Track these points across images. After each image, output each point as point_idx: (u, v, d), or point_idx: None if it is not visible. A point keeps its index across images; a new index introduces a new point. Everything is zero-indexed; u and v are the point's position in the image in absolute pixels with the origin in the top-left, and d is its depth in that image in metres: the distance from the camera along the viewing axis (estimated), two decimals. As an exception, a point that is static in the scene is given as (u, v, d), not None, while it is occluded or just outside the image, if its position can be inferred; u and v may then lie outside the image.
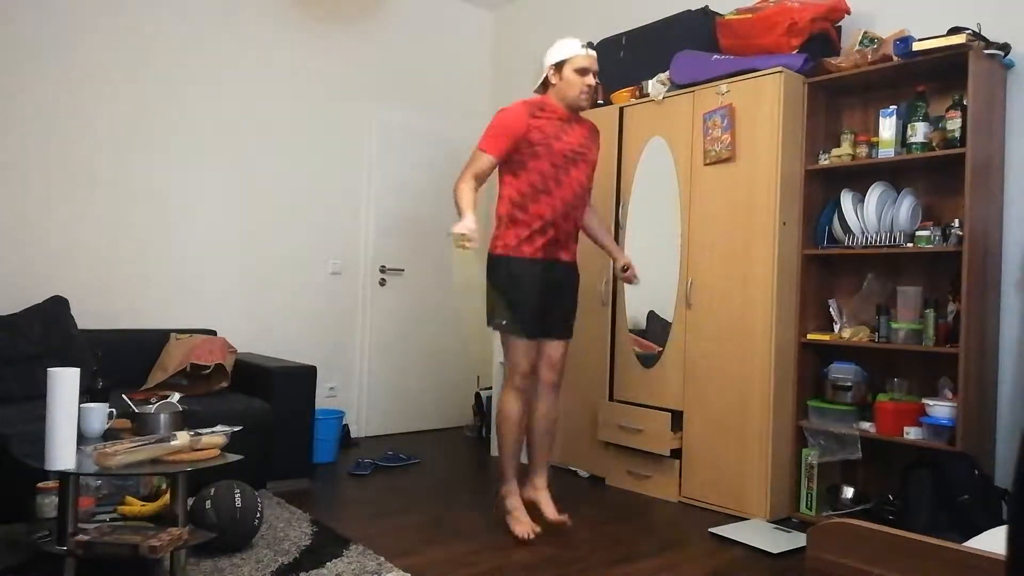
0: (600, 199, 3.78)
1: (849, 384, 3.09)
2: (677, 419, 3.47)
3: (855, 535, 1.66)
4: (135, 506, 2.64)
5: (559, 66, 2.90)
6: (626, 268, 3.15)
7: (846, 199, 3.15)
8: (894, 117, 3.01)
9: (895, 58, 2.96)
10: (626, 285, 3.73)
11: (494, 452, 4.31)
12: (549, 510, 2.96)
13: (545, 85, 2.99)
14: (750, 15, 3.39)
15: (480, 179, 2.87)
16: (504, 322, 2.88)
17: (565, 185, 2.88)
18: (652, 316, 3.65)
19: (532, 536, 2.83)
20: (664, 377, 3.56)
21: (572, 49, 2.89)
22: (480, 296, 5.22)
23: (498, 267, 2.91)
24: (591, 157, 3.00)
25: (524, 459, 3.10)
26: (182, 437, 2.29)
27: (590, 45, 2.95)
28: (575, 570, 2.59)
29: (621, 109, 3.82)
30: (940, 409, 2.79)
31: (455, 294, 5.19)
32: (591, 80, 2.89)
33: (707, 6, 3.71)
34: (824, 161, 3.23)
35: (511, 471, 2.94)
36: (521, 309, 2.85)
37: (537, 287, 2.87)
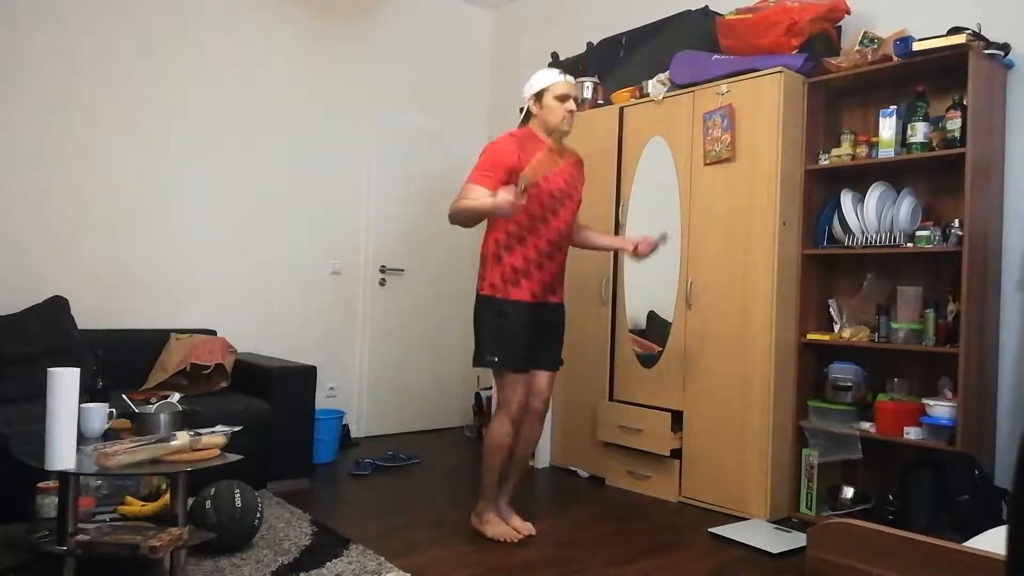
0: (600, 199, 3.78)
1: (849, 384, 3.08)
2: (677, 419, 3.47)
3: (855, 535, 1.66)
4: (135, 506, 2.64)
5: (539, 95, 2.89)
6: (636, 247, 3.00)
7: (846, 199, 3.15)
8: (894, 117, 3.01)
9: (895, 58, 2.96)
10: (626, 285, 3.74)
11: (494, 452, 4.32)
12: (519, 524, 2.96)
13: (527, 118, 2.96)
14: (750, 15, 3.39)
15: None
16: (496, 359, 2.85)
17: (552, 227, 2.87)
18: (652, 316, 3.65)
19: (516, 540, 2.84)
20: (664, 377, 3.56)
21: (550, 78, 2.88)
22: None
23: (486, 307, 2.88)
24: (577, 196, 2.98)
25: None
26: (182, 437, 2.29)
27: (566, 71, 2.95)
28: (575, 570, 2.59)
29: (621, 109, 3.82)
30: (940, 409, 2.79)
31: (455, 294, 5.18)
32: (571, 106, 2.87)
33: (707, 6, 3.71)
34: (824, 161, 3.23)
35: (492, 493, 2.95)
36: (512, 343, 2.83)
37: (526, 326, 2.85)
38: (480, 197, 2.74)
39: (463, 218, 2.81)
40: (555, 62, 4.25)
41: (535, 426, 3.02)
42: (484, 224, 2.95)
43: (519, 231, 2.84)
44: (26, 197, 3.59)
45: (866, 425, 3.02)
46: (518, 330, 2.84)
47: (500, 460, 2.90)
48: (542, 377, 2.98)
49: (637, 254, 3.00)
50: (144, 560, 2.11)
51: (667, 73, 3.63)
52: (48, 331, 3.31)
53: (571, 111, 2.88)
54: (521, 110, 3.02)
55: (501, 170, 2.79)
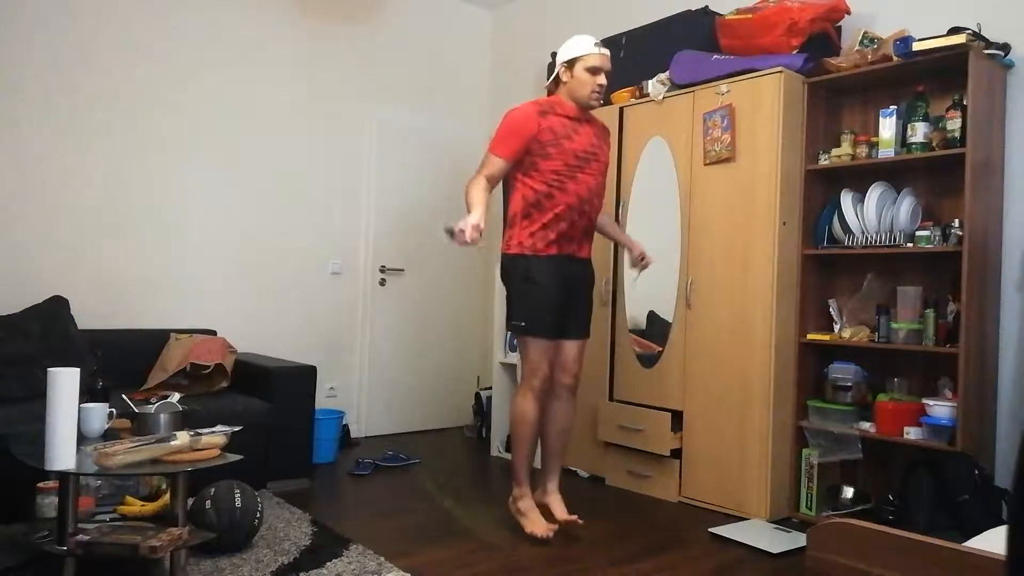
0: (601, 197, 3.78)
1: (849, 384, 3.08)
2: (677, 419, 3.47)
3: (855, 535, 1.66)
4: (135, 506, 2.64)
5: (571, 64, 2.88)
6: (642, 256, 3.12)
7: (846, 199, 3.15)
8: (894, 117, 3.01)
9: (895, 58, 2.96)
10: (627, 285, 3.74)
11: (494, 452, 4.32)
12: (560, 511, 2.94)
13: (557, 82, 2.96)
14: (750, 15, 3.39)
15: (492, 182, 2.87)
16: (523, 323, 2.85)
17: (581, 181, 2.87)
18: (652, 316, 3.65)
19: (550, 535, 2.82)
20: (664, 377, 3.56)
21: (585, 47, 2.86)
22: (480, 296, 5.25)
23: (514, 266, 2.89)
24: (603, 158, 2.98)
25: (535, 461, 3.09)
26: (182, 437, 2.29)
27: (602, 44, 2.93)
28: (575, 570, 2.59)
29: (621, 109, 3.82)
30: (940, 409, 2.79)
31: (455, 294, 5.19)
32: (602, 79, 2.87)
33: (707, 6, 3.71)
34: (824, 161, 3.23)
35: (525, 474, 2.92)
36: (539, 308, 2.83)
37: (554, 284, 2.85)
38: (474, 197, 2.77)
39: (465, 198, 2.84)
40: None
41: (566, 402, 2.98)
42: (499, 194, 2.96)
43: (547, 189, 2.84)
44: (26, 197, 3.59)
45: (866, 425, 3.02)
46: (546, 291, 2.83)
47: (526, 438, 2.87)
48: (570, 348, 2.96)
49: (641, 261, 3.09)
50: (144, 560, 2.11)
51: (667, 73, 3.63)
52: (48, 331, 3.31)
53: (601, 85, 2.87)
54: (550, 68, 2.99)
55: (518, 138, 2.82)
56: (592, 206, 2.94)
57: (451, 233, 2.63)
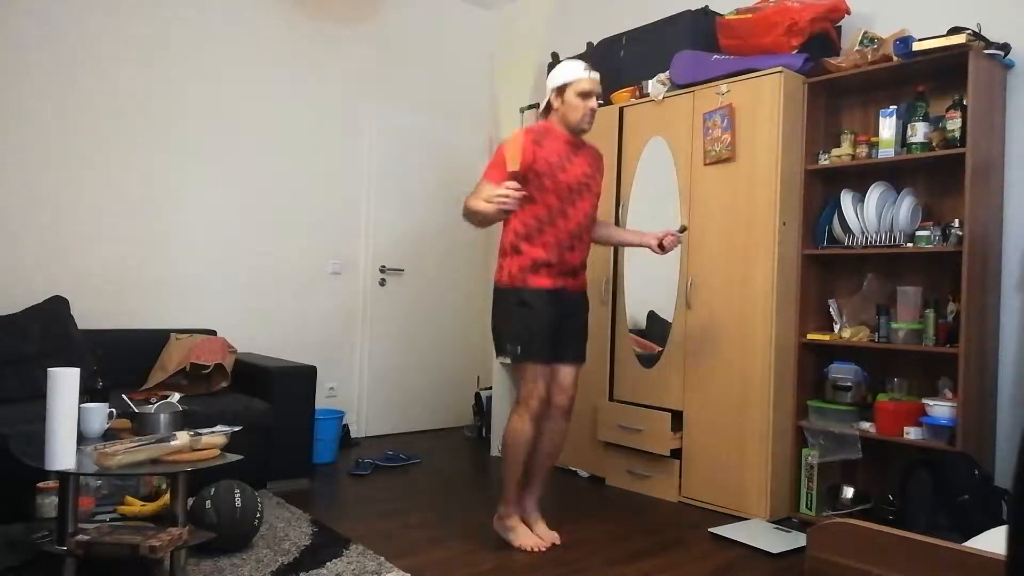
0: (600, 199, 3.77)
1: (849, 384, 3.09)
2: (677, 419, 3.47)
3: (855, 535, 1.66)
4: (135, 506, 2.64)
5: (561, 90, 2.84)
6: (660, 243, 2.98)
7: (846, 199, 3.16)
8: (894, 117, 3.01)
9: (895, 58, 2.96)
10: (626, 286, 3.74)
11: (494, 452, 4.32)
12: (541, 529, 2.92)
13: (548, 110, 2.93)
14: (750, 15, 3.40)
15: None
16: (518, 350, 2.80)
17: (571, 217, 2.83)
18: (652, 316, 3.65)
19: (543, 549, 2.78)
20: (664, 377, 3.56)
21: (575, 72, 2.83)
22: (480, 296, 5.24)
23: (505, 297, 2.85)
24: (595, 187, 2.94)
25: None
26: (182, 437, 2.29)
27: (592, 68, 2.90)
28: (575, 570, 2.59)
29: (621, 109, 3.82)
30: (940, 409, 2.79)
31: (455, 294, 5.18)
32: (593, 103, 2.84)
33: (707, 6, 3.71)
34: (824, 161, 3.23)
35: (513, 493, 2.87)
36: (532, 335, 2.78)
37: (547, 314, 2.80)
38: (478, 203, 2.70)
39: (471, 218, 2.79)
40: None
41: (560, 423, 2.94)
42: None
43: (538, 223, 2.80)
44: (26, 197, 3.59)
45: (866, 425, 3.02)
46: (538, 319, 2.79)
47: (520, 459, 2.83)
48: (566, 372, 2.92)
49: (663, 250, 2.98)
50: (144, 560, 2.11)
51: (667, 73, 3.63)
52: (48, 331, 3.31)
53: (592, 109, 2.84)
54: (550, 67, 2.94)
55: (515, 163, 2.77)
56: (582, 240, 2.90)
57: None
